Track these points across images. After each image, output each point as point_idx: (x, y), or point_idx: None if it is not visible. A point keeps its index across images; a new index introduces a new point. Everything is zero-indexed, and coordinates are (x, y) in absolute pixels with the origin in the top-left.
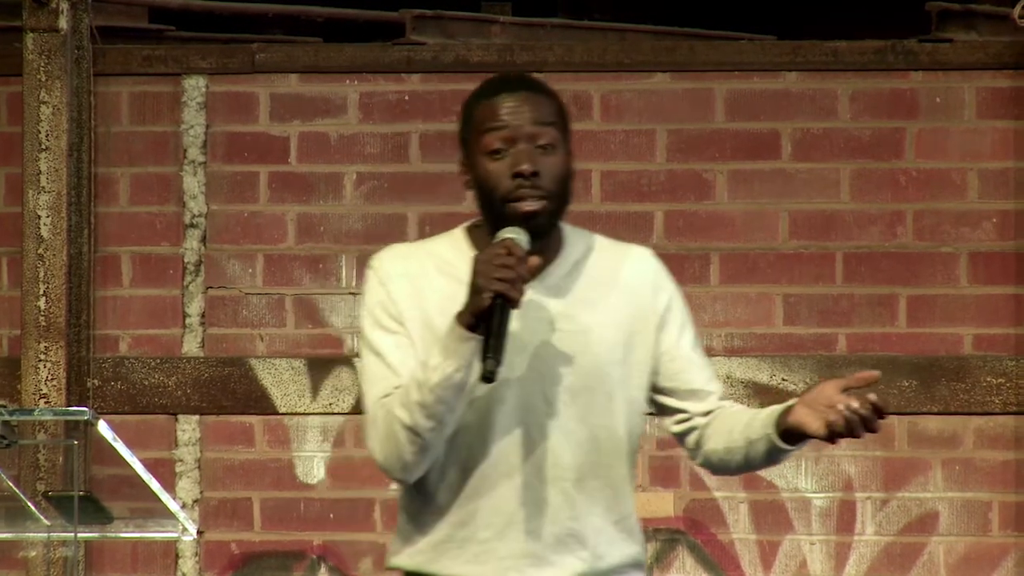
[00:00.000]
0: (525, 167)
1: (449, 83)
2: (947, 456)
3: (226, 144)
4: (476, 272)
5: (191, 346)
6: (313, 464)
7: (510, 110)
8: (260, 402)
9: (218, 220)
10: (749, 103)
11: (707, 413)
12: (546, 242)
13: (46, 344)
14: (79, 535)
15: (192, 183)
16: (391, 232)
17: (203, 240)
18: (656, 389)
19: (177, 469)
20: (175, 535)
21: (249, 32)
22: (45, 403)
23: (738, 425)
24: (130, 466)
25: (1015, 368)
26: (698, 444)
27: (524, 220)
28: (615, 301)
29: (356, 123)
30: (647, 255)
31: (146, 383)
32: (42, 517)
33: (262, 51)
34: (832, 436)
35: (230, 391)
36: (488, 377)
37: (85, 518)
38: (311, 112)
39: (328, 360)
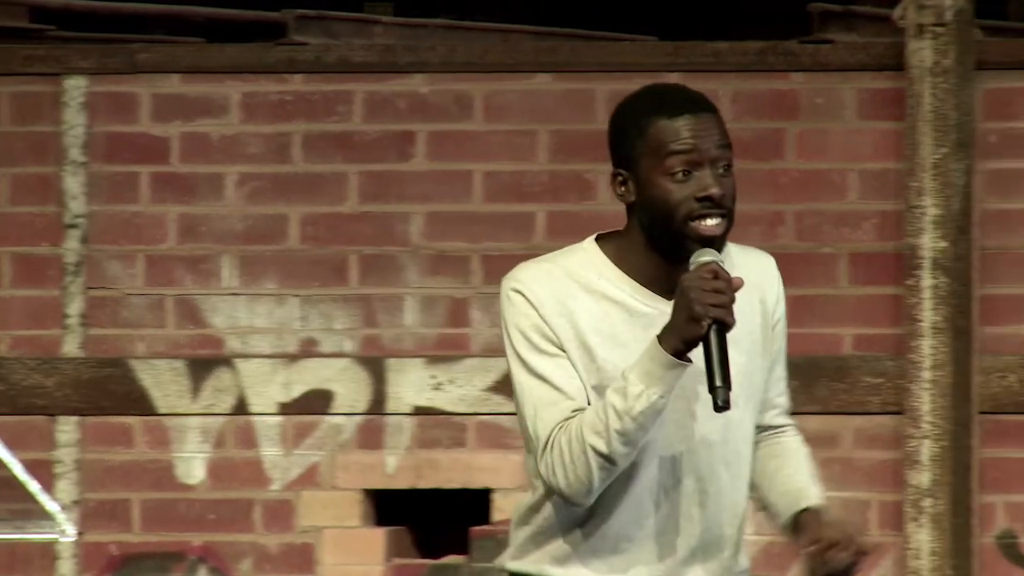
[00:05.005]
0: (715, 191)
1: (332, 83)
2: (826, 456)
3: (107, 144)
4: (690, 300)
5: (71, 347)
6: (193, 465)
7: (695, 133)
8: (140, 403)
9: (99, 220)
10: None
11: (765, 428)
12: None
13: None
14: None
15: (73, 183)
16: (272, 232)
17: (84, 240)
18: None
19: (56, 470)
20: (53, 536)
21: (130, 32)
22: None
23: (777, 480)
24: (8, 467)
25: (894, 368)
26: None
27: (706, 241)
28: (750, 308)
29: (238, 123)
30: (774, 264)
31: (25, 384)
32: None
33: (143, 51)
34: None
35: (110, 392)
36: (723, 406)
37: None
38: (193, 112)
39: (209, 361)
